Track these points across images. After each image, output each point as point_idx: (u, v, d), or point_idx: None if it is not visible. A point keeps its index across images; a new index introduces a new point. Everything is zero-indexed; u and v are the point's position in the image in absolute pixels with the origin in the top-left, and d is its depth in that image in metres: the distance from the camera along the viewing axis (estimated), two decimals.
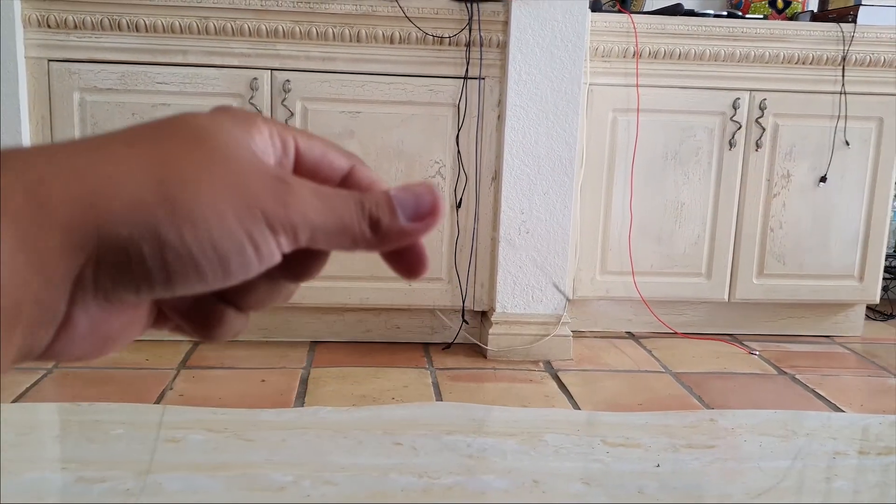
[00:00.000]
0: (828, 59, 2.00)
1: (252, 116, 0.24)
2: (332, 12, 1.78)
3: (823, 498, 0.95)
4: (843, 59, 1.99)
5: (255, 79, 1.81)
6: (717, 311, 2.16)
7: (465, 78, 1.85)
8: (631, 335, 2.13)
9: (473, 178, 1.90)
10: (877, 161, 2.07)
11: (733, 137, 2.02)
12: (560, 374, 1.81)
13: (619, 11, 1.97)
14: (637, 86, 1.97)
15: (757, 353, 2.02)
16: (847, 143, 2.05)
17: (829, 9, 2.14)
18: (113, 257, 0.20)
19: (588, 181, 2.01)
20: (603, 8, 2.02)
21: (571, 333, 1.95)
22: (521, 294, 1.92)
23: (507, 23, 1.83)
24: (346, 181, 0.26)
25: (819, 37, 1.98)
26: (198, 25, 1.76)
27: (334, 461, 0.73)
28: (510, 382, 1.75)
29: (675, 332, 2.13)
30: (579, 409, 1.58)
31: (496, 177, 1.91)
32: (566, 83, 1.85)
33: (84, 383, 1.62)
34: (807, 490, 0.99)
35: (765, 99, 2.02)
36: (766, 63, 1.99)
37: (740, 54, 1.97)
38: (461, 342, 1.98)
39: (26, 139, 1.77)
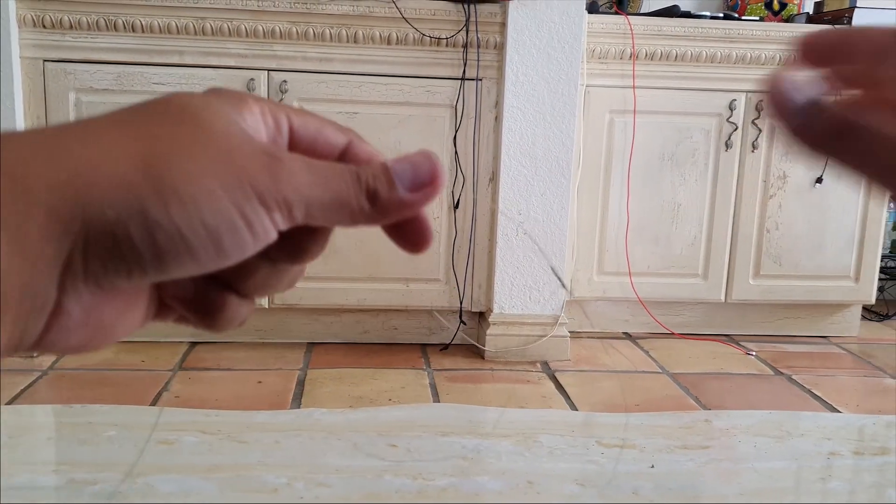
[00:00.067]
0: None
1: (242, 95, 0.24)
2: (329, 13, 1.78)
3: (818, 498, 0.95)
4: None
5: (252, 79, 1.80)
6: (714, 311, 2.16)
7: (463, 79, 1.85)
8: (628, 336, 2.13)
9: (471, 179, 1.90)
10: None
11: (730, 139, 2.02)
12: (557, 375, 1.81)
13: (616, 13, 1.97)
14: (634, 87, 1.97)
15: (753, 353, 2.02)
16: None
17: (825, 11, 2.14)
18: (101, 240, 0.20)
19: (585, 182, 2.01)
20: (600, 10, 2.02)
21: (569, 334, 1.95)
22: (519, 295, 1.92)
23: (504, 24, 1.83)
24: (344, 157, 0.26)
25: None
26: (194, 26, 1.76)
27: (328, 463, 0.73)
28: (508, 383, 1.75)
29: (672, 333, 2.13)
30: (576, 409, 1.58)
31: (493, 178, 1.91)
32: (563, 84, 1.85)
33: (80, 385, 1.62)
34: (802, 491, 0.99)
35: (761, 100, 2.01)
36: (763, 65, 1.99)
37: (736, 56, 1.97)
38: (459, 343, 1.98)
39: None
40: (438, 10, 1.80)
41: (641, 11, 2.18)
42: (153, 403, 1.53)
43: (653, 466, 0.82)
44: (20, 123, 1.76)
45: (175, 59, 1.79)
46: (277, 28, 1.78)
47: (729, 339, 2.14)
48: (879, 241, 2.12)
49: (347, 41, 1.81)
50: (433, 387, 1.70)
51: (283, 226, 0.22)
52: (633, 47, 1.94)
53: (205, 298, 0.24)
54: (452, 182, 1.90)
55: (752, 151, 2.04)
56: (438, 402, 1.60)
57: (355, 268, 1.90)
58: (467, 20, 1.81)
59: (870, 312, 2.39)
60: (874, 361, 2.00)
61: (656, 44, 1.95)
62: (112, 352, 1.81)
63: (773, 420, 1.41)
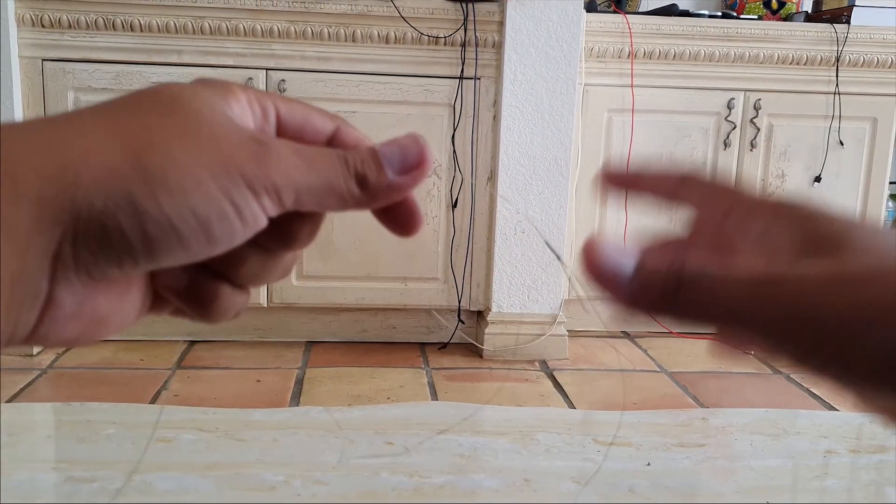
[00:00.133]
0: (822, 59, 2.00)
1: (229, 84, 0.24)
2: (328, 12, 1.78)
3: (815, 497, 0.95)
4: (837, 59, 2.00)
5: (251, 79, 1.81)
6: None
7: (461, 78, 1.85)
8: (626, 335, 2.13)
9: (469, 178, 1.90)
10: (871, 161, 2.08)
11: (728, 137, 2.03)
12: (556, 374, 1.81)
13: (614, 12, 1.98)
14: (632, 86, 1.97)
15: (752, 351, 2.02)
16: (841, 143, 2.05)
17: (823, 9, 2.14)
18: (90, 230, 0.20)
19: (583, 181, 2.01)
20: (598, 8, 2.02)
21: (567, 333, 1.95)
22: (517, 294, 1.93)
23: (502, 23, 1.83)
24: (332, 142, 0.26)
25: (813, 37, 1.99)
26: (193, 25, 1.76)
27: (325, 461, 0.73)
28: (506, 382, 1.75)
29: (671, 332, 2.13)
30: (574, 408, 1.59)
31: (492, 177, 1.91)
32: (561, 83, 1.85)
33: (79, 383, 1.62)
34: (798, 489, 0.99)
35: (759, 99, 2.02)
36: (761, 63, 2.00)
37: (735, 55, 1.98)
38: (457, 342, 1.98)
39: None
40: (436, 8, 1.80)
41: (640, 10, 2.18)
42: (152, 402, 1.53)
43: (649, 464, 0.82)
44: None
45: (173, 59, 1.79)
46: (276, 27, 1.78)
47: None
48: None
49: (346, 40, 1.81)
50: (431, 385, 1.70)
51: (273, 212, 0.22)
52: (632, 46, 1.94)
53: (198, 289, 0.24)
54: (451, 181, 1.90)
55: (751, 150, 2.04)
56: (437, 400, 1.60)
57: (354, 267, 1.90)
58: (465, 19, 1.81)
59: None
60: None
61: (654, 42, 1.95)
62: (111, 350, 1.81)
63: (770, 418, 1.41)
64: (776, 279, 0.20)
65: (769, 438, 1.22)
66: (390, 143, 0.24)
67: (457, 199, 1.91)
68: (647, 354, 1.98)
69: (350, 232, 1.87)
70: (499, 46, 1.85)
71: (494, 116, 1.89)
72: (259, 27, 1.78)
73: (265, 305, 1.91)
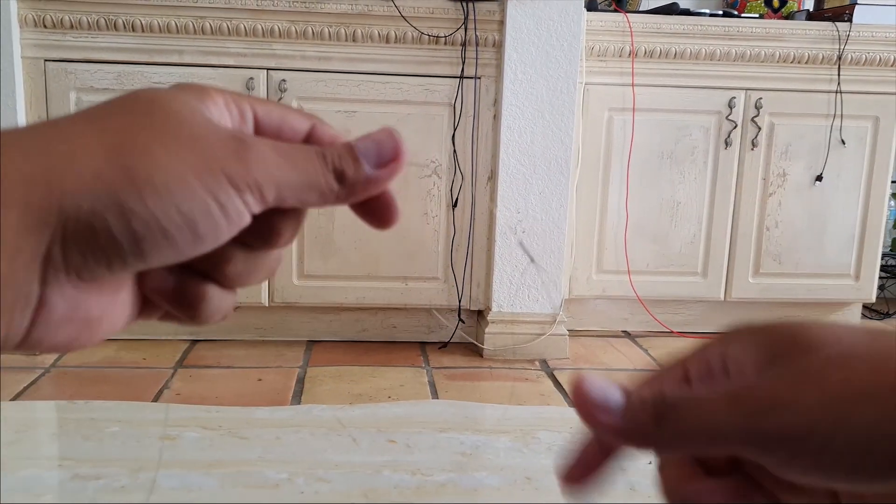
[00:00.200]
0: (824, 58, 2.00)
1: (205, 87, 0.24)
2: (328, 12, 1.79)
3: None
4: (839, 58, 2.00)
5: (252, 78, 1.81)
6: (713, 310, 2.16)
7: (461, 77, 1.85)
8: (627, 334, 2.14)
9: (469, 177, 1.90)
10: (872, 160, 2.08)
11: (729, 136, 2.03)
12: (556, 373, 1.81)
13: (615, 11, 1.98)
14: (633, 85, 1.97)
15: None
16: (843, 142, 2.05)
17: (825, 8, 2.14)
18: (79, 231, 0.20)
19: (584, 180, 2.02)
20: (599, 7, 2.02)
21: (568, 332, 1.95)
22: (518, 293, 1.93)
23: (502, 22, 1.83)
24: (308, 141, 0.26)
25: (815, 36, 1.99)
26: (194, 25, 1.77)
27: (328, 459, 0.74)
28: (506, 381, 1.75)
29: (672, 331, 2.14)
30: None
31: (492, 176, 1.92)
32: (562, 82, 1.86)
33: (81, 382, 1.62)
34: None
35: (760, 98, 2.02)
36: (762, 62, 2.00)
37: (736, 53, 1.98)
38: (457, 341, 1.99)
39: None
40: (437, 8, 1.80)
41: (640, 9, 2.18)
42: (154, 400, 1.54)
43: (650, 463, 0.83)
44: (21, 122, 1.76)
45: (175, 59, 1.79)
46: (276, 27, 1.79)
47: None
48: (880, 239, 2.12)
49: (346, 40, 1.82)
50: (432, 385, 1.70)
51: (256, 208, 0.23)
52: (633, 45, 1.94)
53: (186, 290, 0.25)
54: (451, 181, 1.90)
55: (752, 149, 2.05)
56: (437, 399, 1.60)
57: (354, 266, 1.90)
58: (466, 18, 1.81)
59: (870, 311, 2.40)
60: None
61: (655, 41, 1.95)
62: (113, 349, 1.81)
63: None
64: (746, 391, 0.21)
65: None
66: (365, 139, 0.25)
67: (457, 198, 1.91)
68: (648, 354, 1.98)
69: (351, 231, 1.88)
70: (499, 46, 1.85)
71: (495, 116, 1.89)
72: (260, 27, 1.78)
73: (266, 305, 1.91)
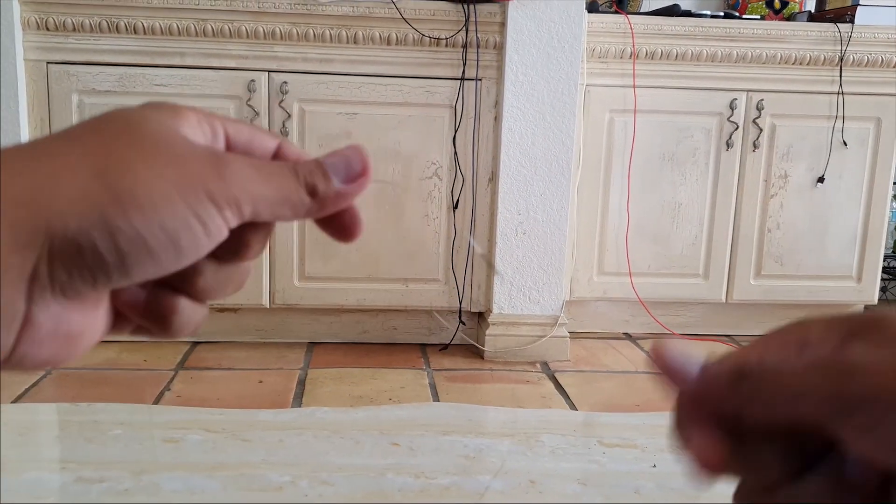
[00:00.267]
0: (825, 59, 2.00)
1: (177, 106, 0.25)
2: (330, 14, 1.79)
3: None
4: (841, 59, 2.00)
5: (253, 80, 1.81)
6: (715, 311, 2.16)
7: (462, 79, 1.85)
8: (628, 336, 2.14)
9: (470, 179, 1.90)
10: (874, 161, 2.08)
11: (730, 138, 2.03)
12: (557, 375, 1.81)
13: (616, 12, 1.98)
14: (634, 86, 1.97)
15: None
16: (845, 144, 2.05)
17: (827, 9, 2.14)
18: (65, 249, 0.21)
19: (585, 182, 2.02)
20: (600, 9, 2.02)
21: (568, 334, 1.95)
22: (518, 295, 1.93)
23: (503, 24, 1.83)
24: (276, 159, 0.27)
25: (816, 37, 1.99)
26: (195, 27, 1.77)
27: (331, 461, 0.74)
28: (507, 383, 1.75)
29: (673, 333, 2.14)
30: (576, 409, 1.59)
31: (493, 178, 1.92)
32: (563, 84, 1.86)
33: (82, 384, 1.62)
34: None
35: (762, 99, 2.02)
36: (764, 63, 2.00)
37: (737, 55, 1.98)
38: (458, 343, 1.99)
39: (25, 141, 1.77)
40: (438, 10, 1.81)
41: (641, 10, 2.18)
42: (155, 402, 1.54)
43: (655, 466, 0.82)
44: (24, 125, 1.77)
45: (176, 61, 1.79)
46: (278, 29, 1.79)
47: (730, 339, 2.14)
48: (882, 240, 2.12)
49: (347, 42, 1.82)
50: (433, 387, 1.70)
51: (234, 223, 0.24)
52: (634, 46, 1.94)
53: (157, 304, 0.25)
54: (452, 182, 1.90)
55: (754, 151, 2.05)
56: (438, 401, 1.60)
57: (355, 268, 1.90)
58: (467, 20, 1.81)
59: None
60: None
61: (657, 43, 1.95)
62: (114, 351, 1.81)
63: None
64: (827, 357, 0.22)
65: None
66: (333, 155, 0.26)
67: (458, 200, 1.91)
68: (649, 356, 1.98)
69: None
70: (500, 47, 1.85)
71: (496, 117, 1.89)
72: (261, 29, 1.78)
73: (267, 307, 1.91)
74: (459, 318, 1.97)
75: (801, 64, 2.01)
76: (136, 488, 0.66)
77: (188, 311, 0.26)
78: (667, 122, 2.01)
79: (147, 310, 0.25)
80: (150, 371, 1.72)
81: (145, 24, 1.76)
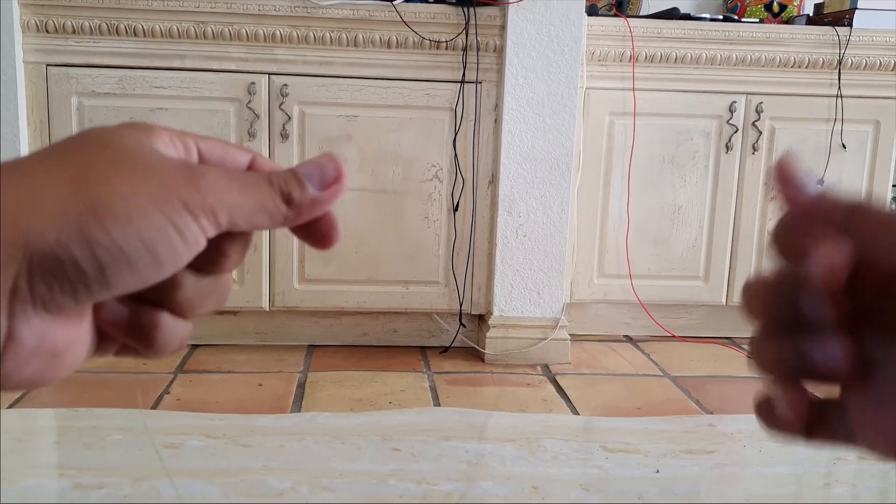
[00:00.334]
0: (824, 62, 2.01)
1: (150, 125, 0.26)
2: (330, 17, 1.78)
3: None
4: (840, 62, 2.00)
5: (253, 83, 1.81)
6: (715, 314, 2.16)
7: (462, 82, 1.85)
8: (629, 339, 2.13)
9: (470, 181, 1.90)
10: (873, 164, 2.08)
11: (730, 141, 2.03)
12: (558, 378, 1.81)
13: (616, 15, 1.98)
14: (633, 89, 1.97)
15: None
16: (844, 147, 2.05)
17: (825, 13, 2.14)
18: (45, 263, 0.21)
19: (585, 184, 2.01)
20: (599, 12, 2.02)
21: (569, 337, 1.95)
22: (519, 297, 1.92)
23: (503, 27, 1.83)
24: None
25: (815, 40, 1.99)
26: (195, 30, 1.76)
27: (332, 467, 0.73)
28: (508, 386, 1.75)
29: (673, 336, 2.13)
30: (577, 413, 1.58)
31: (493, 180, 1.91)
32: (563, 87, 1.85)
33: (81, 388, 1.61)
34: (807, 496, 0.98)
35: (761, 102, 2.02)
36: (763, 67, 2.00)
37: (736, 58, 1.98)
38: (458, 346, 1.98)
39: (24, 143, 1.77)
40: (438, 13, 1.80)
41: (641, 14, 2.18)
42: (154, 406, 1.53)
43: (658, 471, 0.82)
44: (23, 128, 1.76)
45: (176, 63, 1.79)
46: (278, 32, 1.78)
47: (730, 341, 2.14)
48: None
49: (348, 45, 1.81)
50: (433, 389, 1.70)
51: (211, 232, 0.24)
52: (633, 49, 1.94)
53: (139, 320, 0.26)
54: (452, 185, 1.90)
55: (753, 153, 2.04)
56: (438, 404, 1.60)
57: (354, 270, 1.90)
58: (467, 23, 1.81)
59: None
60: None
61: (656, 46, 1.95)
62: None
63: None
64: None
65: (778, 445, 1.21)
66: (307, 164, 0.27)
67: (458, 202, 1.91)
68: (650, 359, 1.97)
69: (351, 235, 1.87)
70: (500, 50, 1.85)
71: (496, 120, 1.89)
72: (261, 32, 1.78)
73: (267, 309, 1.90)
74: (460, 320, 1.96)
75: (799, 67, 2.01)
76: (136, 495, 0.66)
77: (171, 327, 0.26)
78: (666, 125, 2.01)
79: (130, 326, 0.26)
80: (149, 374, 1.71)
81: (145, 27, 1.75)
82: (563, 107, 1.86)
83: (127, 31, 1.75)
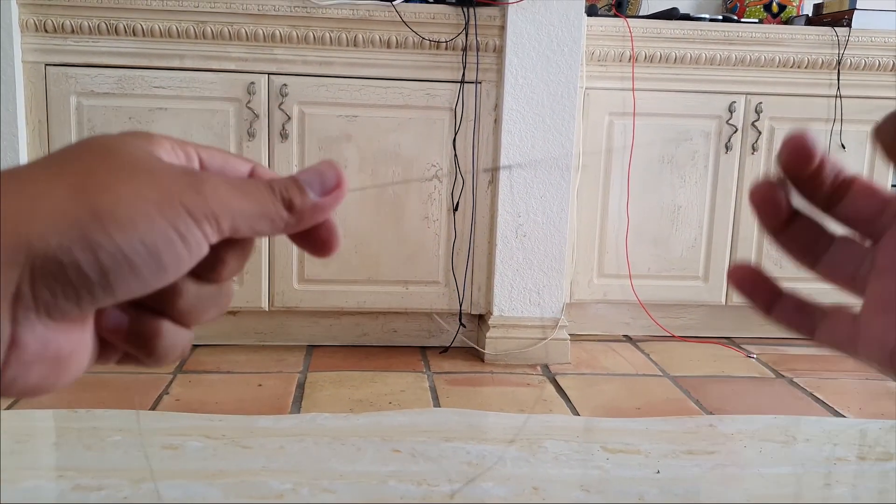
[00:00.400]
0: (823, 62, 2.01)
1: (151, 133, 0.26)
2: (330, 17, 1.78)
3: None
4: (839, 62, 2.00)
5: (253, 83, 1.80)
6: (715, 314, 2.16)
7: (462, 82, 1.85)
8: (628, 338, 2.13)
9: (470, 181, 1.90)
10: (873, 164, 2.08)
11: (729, 141, 2.03)
12: (558, 378, 1.81)
13: (615, 16, 1.98)
14: (633, 89, 1.97)
15: (754, 356, 2.03)
16: (843, 146, 2.05)
17: (824, 13, 2.14)
18: (48, 268, 0.21)
19: (584, 184, 2.01)
20: (599, 12, 2.02)
21: (569, 337, 1.95)
22: (519, 297, 1.92)
23: (503, 27, 1.83)
24: None
25: (814, 41, 1.99)
26: (195, 30, 1.76)
27: (333, 468, 0.73)
28: (508, 386, 1.75)
29: (673, 336, 2.13)
30: (577, 413, 1.58)
31: (493, 180, 1.91)
32: (562, 87, 1.85)
33: (80, 388, 1.61)
34: (807, 496, 0.98)
35: (761, 102, 2.02)
36: (762, 67, 2.00)
37: (736, 58, 1.98)
38: (458, 346, 1.98)
39: (23, 144, 1.77)
40: (438, 13, 1.80)
41: (640, 14, 2.18)
42: (153, 407, 1.53)
43: (658, 472, 0.82)
44: (22, 127, 1.76)
45: (176, 63, 1.79)
46: (278, 32, 1.78)
47: (730, 341, 2.14)
48: None
49: (347, 45, 1.81)
50: (433, 390, 1.69)
51: (214, 238, 0.24)
52: (633, 50, 1.94)
53: (140, 327, 0.26)
54: (452, 185, 1.90)
55: (752, 153, 2.05)
56: (438, 404, 1.59)
57: (354, 270, 1.90)
58: (467, 23, 1.81)
59: None
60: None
61: (656, 46, 1.95)
62: None
63: (779, 425, 1.41)
64: None
65: (778, 445, 1.21)
66: (307, 171, 0.27)
67: (458, 202, 1.90)
68: (650, 358, 1.97)
69: (351, 235, 1.87)
70: (500, 50, 1.85)
71: (496, 120, 1.88)
72: (261, 32, 1.78)
73: (266, 309, 1.90)
74: (460, 320, 1.96)
75: (799, 67, 2.01)
76: (136, 496, 0.65)
77: (172, 335, 0.26)
78: (666, 125, 2.01)
79: (131, 334, 0.26)
80: (148, 374, 1.71)
81: (144, 27, 1.75)
82: (562, 107, 1.86)
83: (126, 31, 1.75)
